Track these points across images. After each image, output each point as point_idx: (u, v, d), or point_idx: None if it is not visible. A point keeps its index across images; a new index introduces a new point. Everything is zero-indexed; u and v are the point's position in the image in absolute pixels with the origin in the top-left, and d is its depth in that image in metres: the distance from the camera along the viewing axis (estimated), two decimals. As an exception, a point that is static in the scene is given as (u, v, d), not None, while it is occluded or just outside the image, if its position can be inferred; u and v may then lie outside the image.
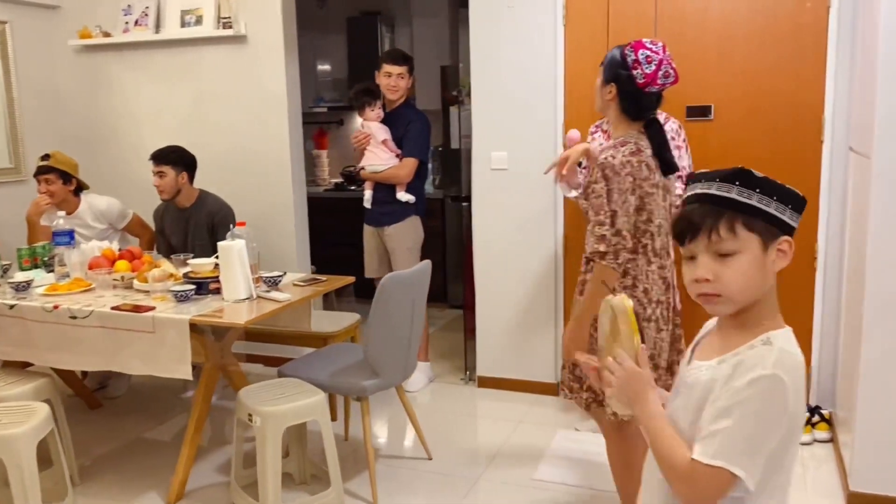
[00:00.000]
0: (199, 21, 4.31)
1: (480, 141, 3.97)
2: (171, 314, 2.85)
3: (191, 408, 3.98)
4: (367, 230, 4.21)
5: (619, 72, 2.34)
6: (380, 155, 4.00)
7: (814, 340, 3.51)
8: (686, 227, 1.32)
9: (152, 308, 2.92)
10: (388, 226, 4.08)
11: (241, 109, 4.34)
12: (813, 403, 3.47)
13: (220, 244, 3.01)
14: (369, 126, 4.03)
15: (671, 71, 2.33)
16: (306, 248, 4.50)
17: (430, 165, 5.18)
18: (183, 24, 4.34)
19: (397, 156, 4.03)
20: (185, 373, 2.84)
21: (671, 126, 3.20)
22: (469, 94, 4.05)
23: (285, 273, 3.37)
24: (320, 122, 6.47)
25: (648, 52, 2.31)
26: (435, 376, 4.37)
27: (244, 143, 4.36)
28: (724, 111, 3.53)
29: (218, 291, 3.10)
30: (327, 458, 2.85)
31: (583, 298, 2.42)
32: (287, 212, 4.35)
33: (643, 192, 2.29)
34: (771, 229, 1.29)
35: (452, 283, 5.61)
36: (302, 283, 3.32)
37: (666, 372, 2.48)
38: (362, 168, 4.08)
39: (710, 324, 1.47)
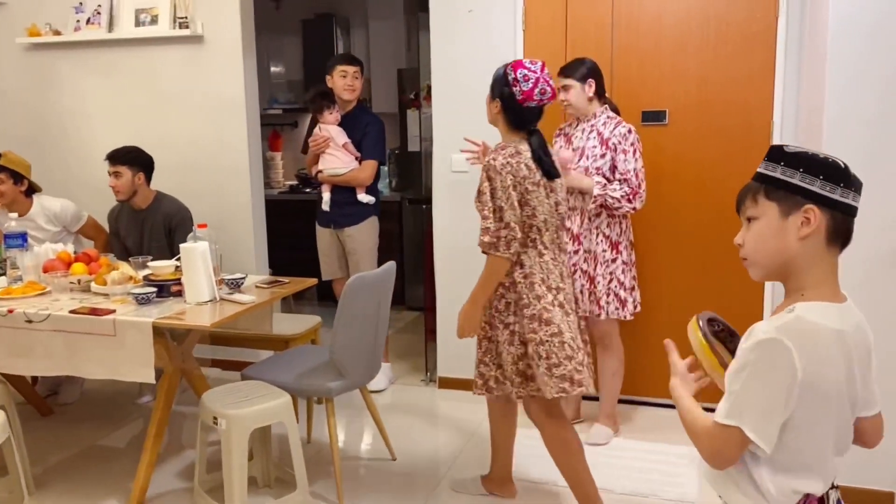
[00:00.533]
0: (154, 20, 4.24)
1: (441, 143, 4.01)
2: (133, 317, 2.81)
3: (146, 413, 3.92)
4: (323, 232, 4.20)
5: (502, 89, 2.58)
6: (341, 158, 4.00)
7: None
8: (736, 201, 1.46)
9: (112, 311, 2.87)
10: (349, 227, 4.08)
11: (198, 110, 4.28)
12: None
13: (183, 246, 2.97)
14: (328, 129, 4.03)
15: (547, 89, 2.56)
16: (264, 250, 4.47)
17: (385, 167, 5.20)
18: (137, 24, 4.27)
19: (357, 158, 4.04)
20: (148, 376, 2.80)
21: (619, 131, 3.28)
22: (427, 97, 4.08)
23: (247, 275, 3.34)
24: (274, 124, 6.42)
25: (526, 72, 2.55)
26: (395, 377, 4.38)
27: (201, 145, 4.30)
28: (678, 116, 3.64)
29: (179, 294, 3.06)
30: (293, 461, 2.84)
31: (477, 284, 2.66)
32: (245, 214, 4.31)
33: (524, 188, 2.52)
34: (793, 198, 1.36)
35: (411, 286, 5.63)
36: (264, 286, 3.30)
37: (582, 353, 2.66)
38: (320, 171, 4.07)
39: None
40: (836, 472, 1.43)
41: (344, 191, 4.07)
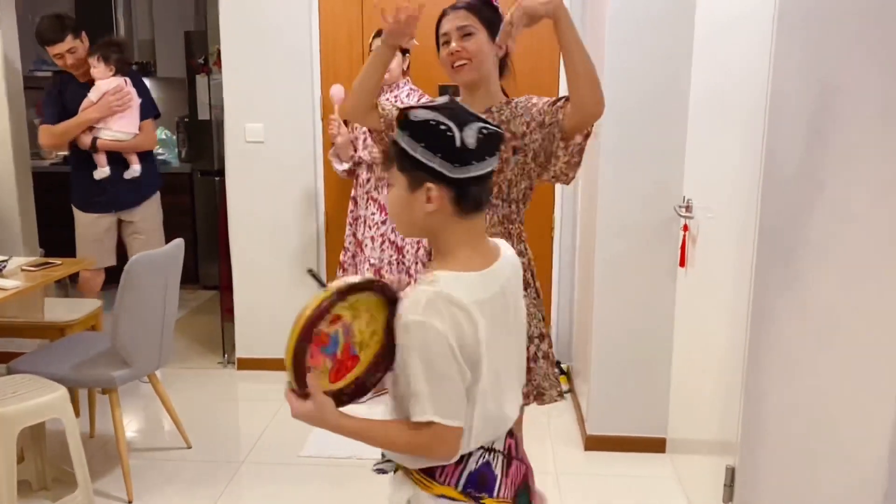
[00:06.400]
0: None
1: (233, 112, 3.81)
2: None
3: None
4: (101, 218, 3.68)
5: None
6: (132, 120, 3.55)
7: (552, 301, 3.86)
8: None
9: None
10: (136, 206, 3.68)
11: (-56, 69, 3.73)
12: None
13: (-74, 225, 2.58)
14: (115, 83, 3.48)
15: None
16: (33, 228, 4.03)
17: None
18: None
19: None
20: None
21: (426, 101, 3.35)
22: (218, 62, 3.85)
23: (11, 257, 2.99)
24: (42, 88, 5.75)
25: None
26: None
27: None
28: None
29: (-76, 281, 2.67)
30: (73, 458, 2.59)
31: None
32: (8, 188, 3.84)
33: None
34: (416, 173, 1.29)
35: (205, 263, 5.34)
36: (32, 268, 2.97)
37: None
38: (97, 138, 3.55)
39: None
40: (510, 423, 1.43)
41: (119, 163, 3.60)
